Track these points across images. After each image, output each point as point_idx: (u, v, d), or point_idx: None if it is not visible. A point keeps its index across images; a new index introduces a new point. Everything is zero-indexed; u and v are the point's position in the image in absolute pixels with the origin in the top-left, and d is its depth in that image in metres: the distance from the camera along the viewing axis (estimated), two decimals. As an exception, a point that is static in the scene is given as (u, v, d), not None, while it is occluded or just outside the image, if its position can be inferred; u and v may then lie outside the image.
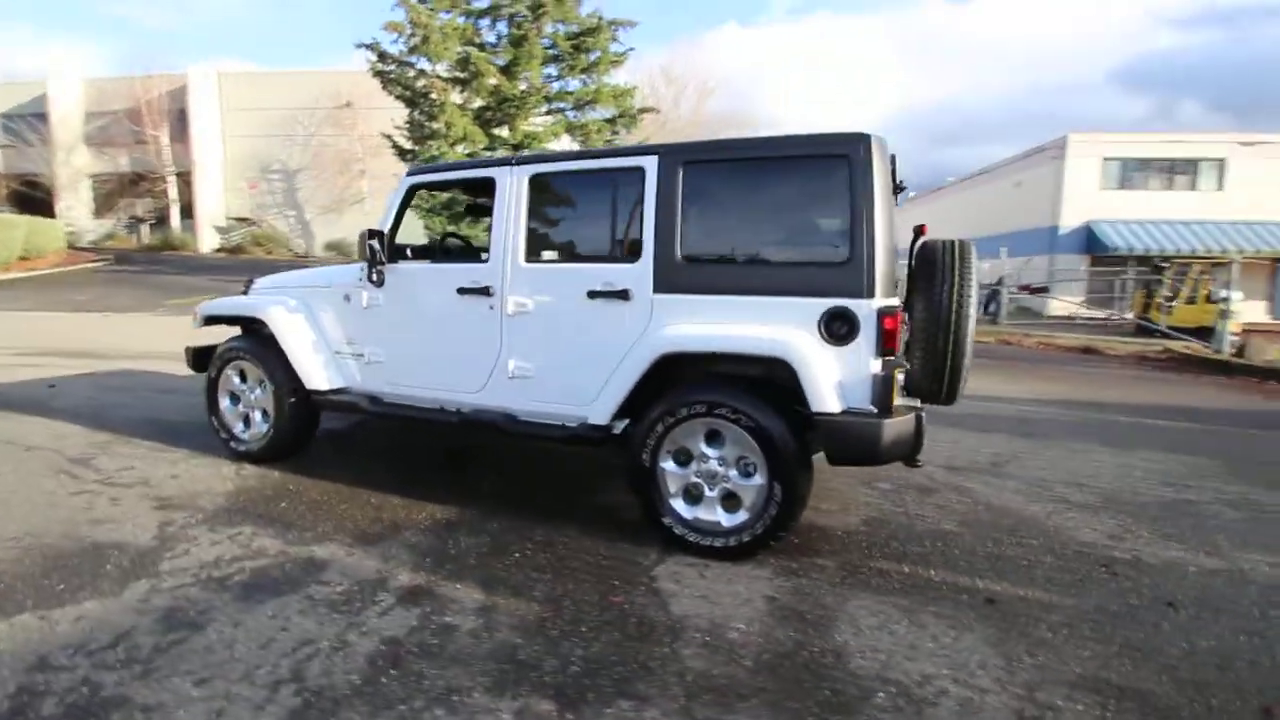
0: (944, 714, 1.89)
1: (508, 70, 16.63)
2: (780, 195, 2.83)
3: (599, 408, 2.96)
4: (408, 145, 17.64)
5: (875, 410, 2.56)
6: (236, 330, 4.18)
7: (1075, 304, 18.43)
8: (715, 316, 2.78)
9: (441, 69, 17.12)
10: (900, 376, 2.73)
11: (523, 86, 16.75)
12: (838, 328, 2.59)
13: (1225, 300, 11.10)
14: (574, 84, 17.47)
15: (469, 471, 4.01)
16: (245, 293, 4.24)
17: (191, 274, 19.18)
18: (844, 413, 2.57)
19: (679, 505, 2.85)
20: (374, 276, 3.51)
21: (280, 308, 3.77)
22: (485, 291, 3.20)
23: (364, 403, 3.63)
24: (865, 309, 2.56)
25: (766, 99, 57.37)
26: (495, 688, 1.95)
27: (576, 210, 3.18)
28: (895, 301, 2.70)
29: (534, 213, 3.15)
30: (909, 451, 2.64)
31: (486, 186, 3.31)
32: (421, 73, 17.43)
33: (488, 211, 4.52)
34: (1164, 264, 16.24)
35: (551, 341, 3.09)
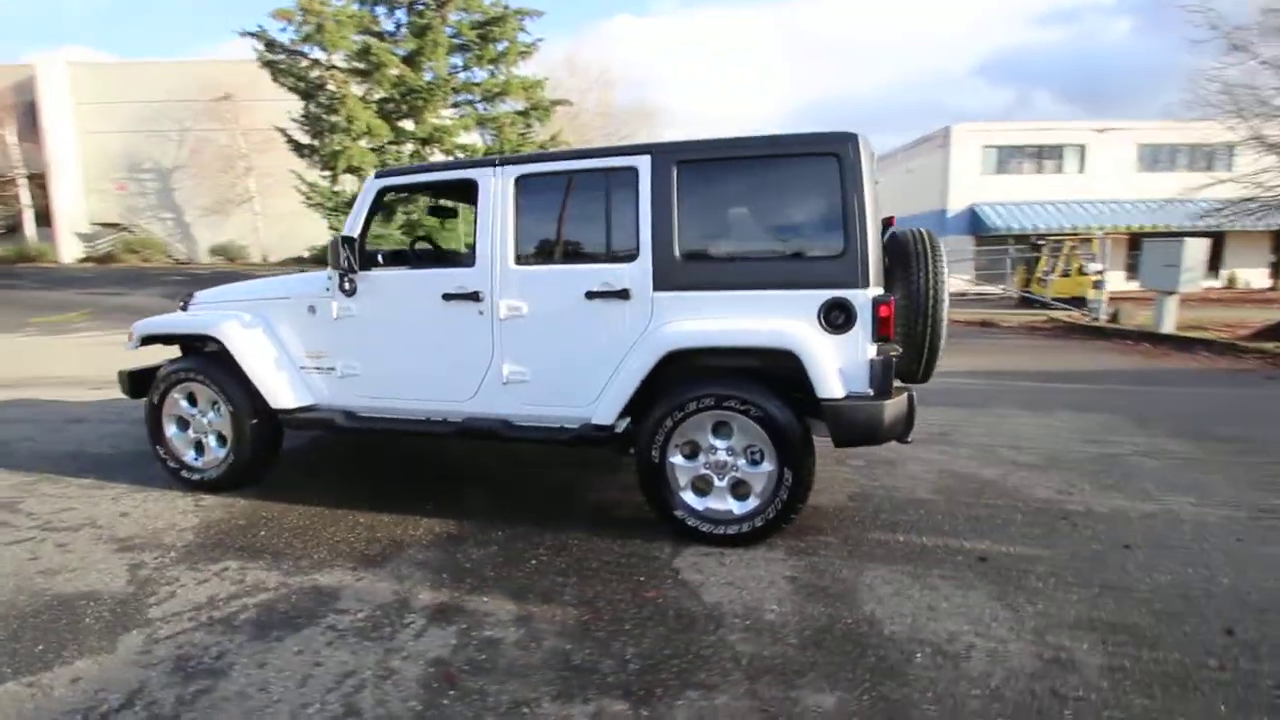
0: (978, 665, 2.07)
1: (411, 60, 15.95)
2: (774, 192, 2.94)
3: (603, 408, 2.97)
4: (305, 139, 16.57)
5: (874, 393, 2.73)
6: (175, 350, 3.85)
7: (965, 281, 20.00)
8: (716, 312, 2.86)
9: (339, 59, 16.18)
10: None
11: (429, 77, 16.12)
12: (836, 317, 2.73)
13: (1100, 273, 12.43)
14: (481, 75, 17.02)
15: (453, 482, 3.90)
16: (184, 309, 3.90)
17: (56, 288, 17.20)
18: (847, 397, 2.72)
19: (689, 498, 2.92)
20: (345, 285, 3.33)
21: (234, 323, 3.50)
22: (474, 296, 3.11)
23: (338, 419, 3.45)
24: (861, 298, 2.71)
25: (666, 90, 58.03)
26: (562, 695, 1.95)
27: (567, 211, 3.14)
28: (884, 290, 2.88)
29: (522, 214, 3.09)
30: (904, 429, 2.83)
31: (466, 188, 3.21)
32: (316, 62, 16.39)
33: (452, 213, 4.41)
34: (1040, 241, 17.90)
35: (548, 344, 3.06)
